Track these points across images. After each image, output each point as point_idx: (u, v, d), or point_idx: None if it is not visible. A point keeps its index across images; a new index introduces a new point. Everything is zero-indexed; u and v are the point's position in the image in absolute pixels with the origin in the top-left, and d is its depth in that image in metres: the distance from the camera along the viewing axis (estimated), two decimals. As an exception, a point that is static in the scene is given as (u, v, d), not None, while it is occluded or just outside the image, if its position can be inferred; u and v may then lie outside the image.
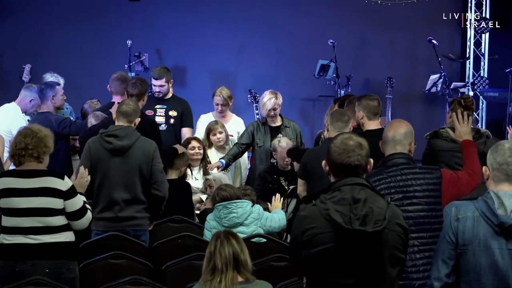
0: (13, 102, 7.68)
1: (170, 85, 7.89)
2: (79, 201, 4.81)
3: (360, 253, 3.33)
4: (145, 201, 5.74)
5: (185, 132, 7.84)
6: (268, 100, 7.58)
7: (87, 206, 4.90)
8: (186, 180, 6.96)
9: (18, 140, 4.74)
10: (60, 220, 4.74)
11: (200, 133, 7.81)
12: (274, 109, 7.58)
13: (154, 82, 7.84)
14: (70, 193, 4.76)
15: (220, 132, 7.55)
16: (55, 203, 4.70)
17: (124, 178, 5.70)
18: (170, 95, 7.92)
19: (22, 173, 4.72)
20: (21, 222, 4.67)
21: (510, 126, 7.36)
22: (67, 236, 4.78)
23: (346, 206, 3.33)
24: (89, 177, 5.28)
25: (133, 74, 10.25)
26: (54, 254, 4.70)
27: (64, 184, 4.74)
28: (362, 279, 3.36)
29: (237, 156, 7.66)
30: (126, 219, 5.70)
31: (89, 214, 4.88)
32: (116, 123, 5.82)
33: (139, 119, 5.96)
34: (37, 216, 4.68)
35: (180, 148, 6.69)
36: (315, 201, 3.40)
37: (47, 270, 4.62)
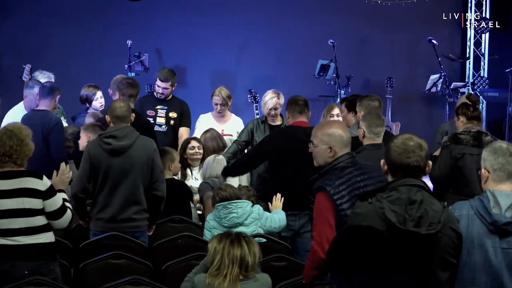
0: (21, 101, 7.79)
1: (173, 88, 7.93)
2: (58, 200, 4.77)
3: (412, 254, 3.33)
4: (144, 202, 5.74)
5: (182, 131, 7.87)
6: (270, 99, 7.59)
7: (67, 204, 4.86)
8: (186, 180, 6.97)
9: (0, 145, 4.64)
10: (40, 220, 4.70)
11: (199, 133, 7.80)
12: (275, 109, 7.59)
13: (159, 83, 7.86)
14: (49, 193, 4.72)
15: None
16: (34, 203, 4.66)
17: (124, 178, 5.69)
18: (170, 96, 7.94)
19: (0, 175, 4.67)
20: (1, 223, 4.61)
21: None
22: (47, 237, 4.74)
23: (402, 206, 3.34)
24: (70, 174, 5.23)
25: (133, 74, 10.26)
26: (34, 255, 4.65)
27: (42, 184, 4.70)
28: (412, 280, 3.37)
29: (236, 153, 7.66)
30: (124, 220, 5.69)
31: (68, 213, 4.83)
32: (113, 126, 5.81)
33: (134, 114, 5.95)
34: (17, 217, 4.63)
35: None
36: (371, 199, 3.41)
37: (26, 272, 4.58)
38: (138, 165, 5.69)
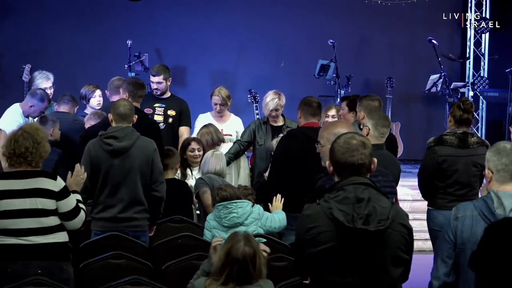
0: (18, 103, 7.76)
1: (169, 83, 7.88)
2: (71, 201, 4.75)
3: (362, 252, 3.33)
4: (145, 202, 5.74)
5: (183, 131, 7.83)
6: (271, 100, 7.57)
7: (81, 205, 4.84)
8: (186, 180, 6.96)
9: (16, 146, 4.64)
10: (53, 221, 4.68)
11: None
12: (276, 110, 7.57)
13: (152, 78, 7.85)
14: (63, 194, 4.70)
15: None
16: (48, 203, 4.64)
17: (125, 178, 5.68)
18: (168, 94, 7.92)
19: (14, 174, 4.66)
20: (13, 223, 4.60)
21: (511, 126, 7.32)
22: (60, 237, 4.72)
23: (349, 205, 3.33)
24: (85, 175, 5.21)
25: (133, 74, 10.26)
26: (46, 255, 4.63)
27: (56, 185, 4.68)
28: (364, 279, 3.36)
29: (238, 153, 7.65)
30: (125, 219, 5.68)
31: (82, 214, 4.82)
32: (114, 125, 5.79)
33: (136, 116, 5.93)
34: (30, 217, 4.61)
35: None
36: (319, 200, 3.41)
37: (39, 271, 4.56)
38: (138, 166, 5.69)
